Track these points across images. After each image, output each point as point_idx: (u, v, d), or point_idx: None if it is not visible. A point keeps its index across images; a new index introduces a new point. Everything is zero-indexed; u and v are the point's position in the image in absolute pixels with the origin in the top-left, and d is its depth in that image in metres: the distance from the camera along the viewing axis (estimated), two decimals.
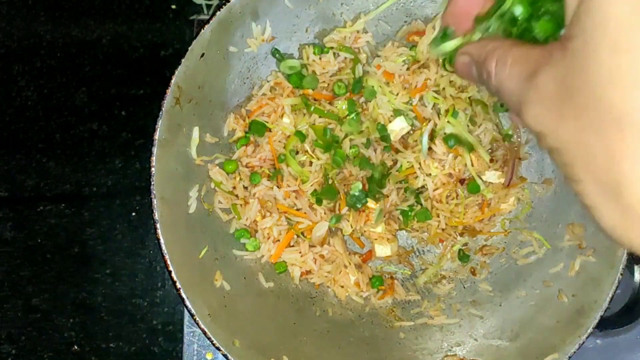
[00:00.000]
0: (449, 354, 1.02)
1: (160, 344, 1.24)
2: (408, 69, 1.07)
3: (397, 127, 1.06)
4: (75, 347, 1.23)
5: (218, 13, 0.92)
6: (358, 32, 1.06)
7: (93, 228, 1.26)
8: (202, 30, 0.92)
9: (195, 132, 0.98)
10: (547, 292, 1.01)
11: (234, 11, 0.93)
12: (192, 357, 1.13)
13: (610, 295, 0.93)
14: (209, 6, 1.29)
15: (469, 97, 1.07)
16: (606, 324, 1.11)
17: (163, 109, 0.90)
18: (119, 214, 1.27)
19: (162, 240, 0.89)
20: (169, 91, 0.91)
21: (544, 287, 1.02)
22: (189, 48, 0.92)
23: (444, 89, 1.05)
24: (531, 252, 1.07)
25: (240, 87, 1.04)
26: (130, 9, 1.32)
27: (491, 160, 1.07)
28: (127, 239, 1.26)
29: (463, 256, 1.09)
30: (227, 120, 1.03)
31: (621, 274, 0.93)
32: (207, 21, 0.92)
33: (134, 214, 1.27)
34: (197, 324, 0.90)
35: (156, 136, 0.90)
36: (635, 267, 1.15)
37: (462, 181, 1.08)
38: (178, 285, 0.89)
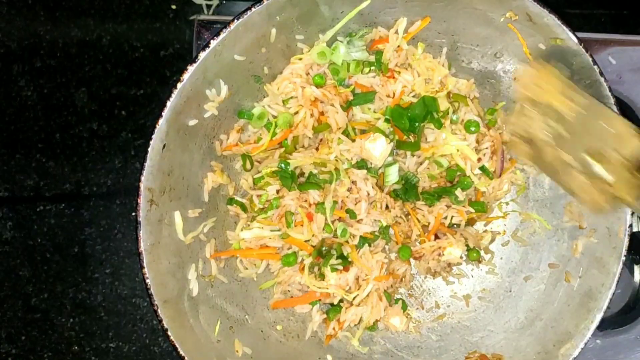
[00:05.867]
0: (470, 351, 1.03)
1: (160, 344, 1.24)
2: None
3: (380, 149, 1.03)
4: (75, 347, 1.23)
5: (169, 103, 0.89)
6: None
7: (92, 228, 1.26)
8: (157, 126, 0.89)
9: (177, 216, 0.96)
10: (555, 275, 1.03)
11: (184, 93, 0.91)
12: None
13: (617, 277, 0.94)
14: (209, 6, 1.29)
15: (449, 92, 1.06)
16: (606, 324, 1.12)
17: (140, 218, 0.88)
18: (118, 214, 1.27)
19: (178, 345, 0.89)
20: (140, 199, 0.88)
21: (550, 269, 1.03)
22: (149, 147, 0.89)
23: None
24: (532, 232, 1.07)
25: (209, 147, 1.01)
26: (130, 9, 1.32)
27: (479, 160, 1.07)
28: (126, 239, 1.26)
29: (472, 252, 1.09)
30: (206, 181, 1.01)
31: (625, 256, 0.94)
32: (159, 114, 0.89)
33: (133, 213, 1.26)
34: None
35: (141, 248, 0.89)
36: (635, 267, 1.15)
37: (452, 183, 1.08)
38: None
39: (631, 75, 1.18)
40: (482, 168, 1.07)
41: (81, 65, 1.30)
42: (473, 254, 1.09)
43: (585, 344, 0.94)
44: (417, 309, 1.10)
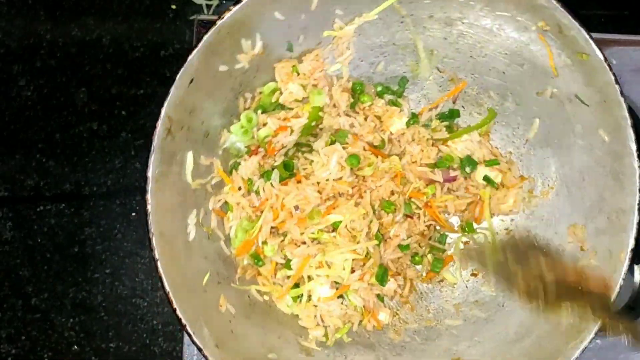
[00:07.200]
0: (453, 357, 1.02)
1: (160, 344, 1.24)
2: None
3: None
4: (75, 347, 1.23)
5: (205, 37, 0.89)
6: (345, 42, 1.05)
7: (92, 228, 1.26)
8: (190, 56, 0.89)
9: (189, 157, 0.95)
10: None
11: (222, 32, 0.91)
12: (192, 357, 1.13)
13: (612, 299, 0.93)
14: (209, 6, 1.29)
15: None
16: None
17: (154, 143, 0.88)
18: (118, 214, 1.27)
19: (164, 278, 0.87)
20: (159, 124, 0.88)
21: None
22: (177, 77, 0.89)
23: None
24: None
25: (232, 103, 1.01)
26: (130, 9, 1.32)
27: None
28: (126, 239, 1.26)
29: (468, 225, 1.09)
30: (223, 135, 1.01)
31: (623, 280, 0.93)
32: (195, 45, 0.89)
33: (133, 213, 1.27)
34: (206, 358, 0.88)
35: (149, 173, 0.88)
36: (635, 267, 1.15)
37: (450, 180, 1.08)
38: (184, 321, 0.87)
39: (631, 75, 1.18)
40: (486, 178, 1.07)
41: (81, 65, 1.30)
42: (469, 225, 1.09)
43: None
44: (407, 310, 1.09)
